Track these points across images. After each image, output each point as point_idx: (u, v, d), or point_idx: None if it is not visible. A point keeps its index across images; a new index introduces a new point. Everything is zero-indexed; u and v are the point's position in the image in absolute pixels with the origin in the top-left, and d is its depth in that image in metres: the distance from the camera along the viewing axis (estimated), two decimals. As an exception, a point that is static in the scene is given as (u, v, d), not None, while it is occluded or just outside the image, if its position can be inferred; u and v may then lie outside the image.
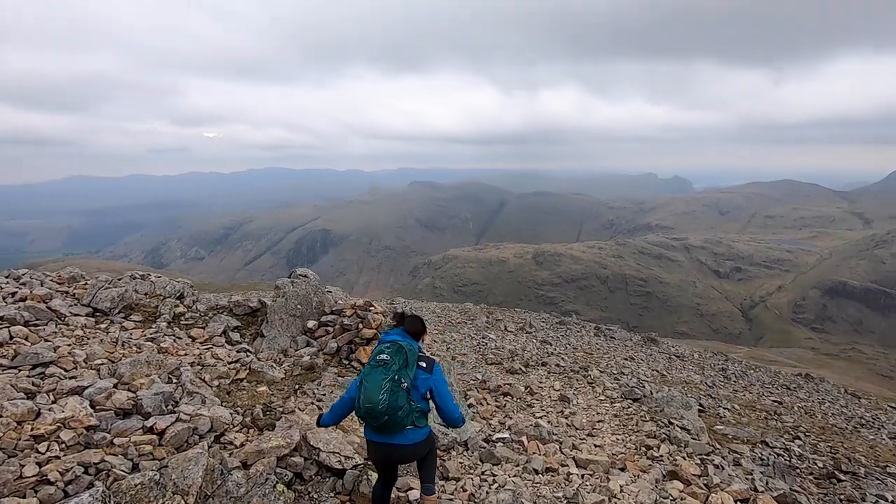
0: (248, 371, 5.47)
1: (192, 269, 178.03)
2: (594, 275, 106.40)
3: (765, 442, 8.30)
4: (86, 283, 6.56)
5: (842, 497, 6.17)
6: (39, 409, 3.59)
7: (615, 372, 13.36)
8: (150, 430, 3.68)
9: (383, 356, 3.29)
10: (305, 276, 7.32)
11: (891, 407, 16.43)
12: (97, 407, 3.79)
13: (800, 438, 8.65)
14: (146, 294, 6.80)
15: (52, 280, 6.62)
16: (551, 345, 15.61)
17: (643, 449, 6.49)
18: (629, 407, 8.50)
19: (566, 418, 7.93)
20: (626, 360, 15.68)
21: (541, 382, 9.99)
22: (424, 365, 3.42)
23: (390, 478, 3.68)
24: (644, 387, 10.27)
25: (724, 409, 11.33)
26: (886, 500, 6.11)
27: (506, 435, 6.52)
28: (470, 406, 7.70)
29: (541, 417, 7.90)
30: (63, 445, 3.30)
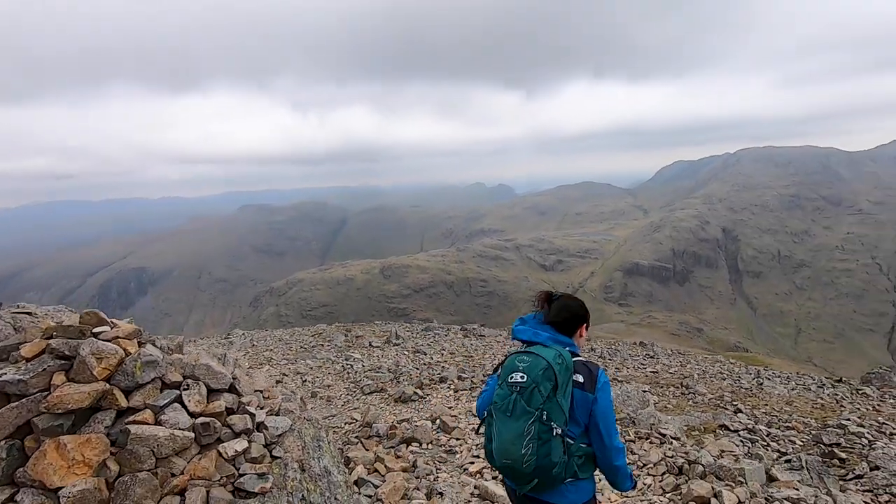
0: None
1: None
2: (441, 281, 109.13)
3: (725, 426, 7.11)
4: None
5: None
6: None
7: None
8: None
9: (519, 376, 2.00)
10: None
11: (730, 360, 18.02)
12: None
13: (741, 412, 7.79)
14: None
15: None
16: (426, 354, 14.12)
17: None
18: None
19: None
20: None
21: (451, 409, 7.57)
22: (582, 379, 2.08)
23: None
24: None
25: (646, 392, 10.30)
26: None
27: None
28: (358, 482, 4.66)
29: (479, 472, 5.27)
30: None
